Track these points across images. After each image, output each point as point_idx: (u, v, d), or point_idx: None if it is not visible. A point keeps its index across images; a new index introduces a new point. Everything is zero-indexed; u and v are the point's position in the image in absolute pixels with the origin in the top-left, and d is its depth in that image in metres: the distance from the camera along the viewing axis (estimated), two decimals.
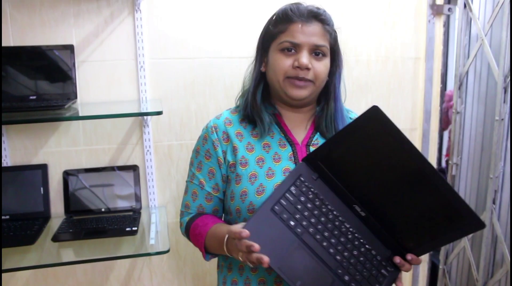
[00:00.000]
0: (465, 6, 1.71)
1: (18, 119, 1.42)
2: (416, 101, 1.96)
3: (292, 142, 1.01)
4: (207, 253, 1.00)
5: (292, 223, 0.86)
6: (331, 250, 0.86)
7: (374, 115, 0.82)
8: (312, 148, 1.01)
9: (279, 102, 1.04)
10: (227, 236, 0.88)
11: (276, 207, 0.86)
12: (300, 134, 1.03)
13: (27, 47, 1.53)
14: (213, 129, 1.03)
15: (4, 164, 1.58)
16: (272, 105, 1.04)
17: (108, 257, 1.43)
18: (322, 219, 0.88)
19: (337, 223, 0.89)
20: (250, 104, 1.02)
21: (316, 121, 1.04)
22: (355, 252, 0.88)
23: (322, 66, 0.97)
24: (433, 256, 2.06)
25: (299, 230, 0.86)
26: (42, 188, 1.60)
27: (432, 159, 2.01)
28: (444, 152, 2.28)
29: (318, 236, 0.86)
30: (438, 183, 0.81)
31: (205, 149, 1.03)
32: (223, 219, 1.10)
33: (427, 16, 1.87)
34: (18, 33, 1.53)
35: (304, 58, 0.94)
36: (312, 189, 0.91)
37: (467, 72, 1.76)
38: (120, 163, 1.68)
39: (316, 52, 0.96)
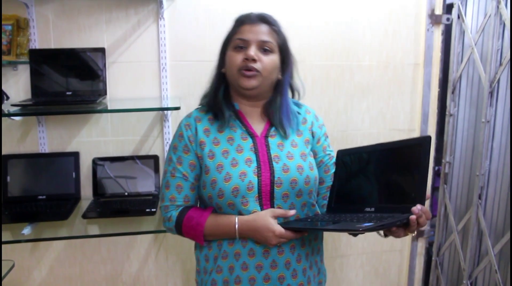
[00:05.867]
0: (458, 17, 1.86)
1: (57, 111, 1.66)
2: (415, 104, 2.11)
3: (252, 135, 1.16)
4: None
5: None
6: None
7: (425, 144, 1.01)
8: (270, 139, 1.16)
9: (238, 97, 1.20)
10: (237, 225, 1.09)
11: None
12: (259, 127, 1.19)
13: (65, 49, 1.76)
14: (187, 126, 1.18)
15: (42, 150, 1.81)
16: (232, 104, 1.20)
17: (130, 232, 1.65)
18: None
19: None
20: (212, 100, 1.19)
21: (269, 114, 1.19)
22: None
23: (268, 60, 1.13)
24: (429, 249, 2.20)
25: None
26: (74, 173, 1.82)
27: (430, 159, 2.15)
28: None
29: None
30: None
31: (182, 145, 1.16)
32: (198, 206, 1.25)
33: (426, 25, 2.02)
34: (58, 37, 1.76)
35: (251, 51, 1.10)
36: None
37: (460, 78, 1.90)
38: (143, 153, 1.89)
39: (264, 48, 1.12)
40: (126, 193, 1.83)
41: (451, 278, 2.05)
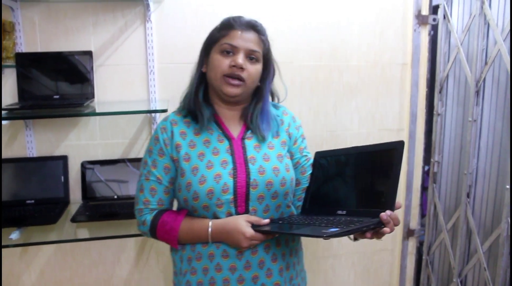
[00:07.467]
0: (444, 17, 1.88)
1: (44, 114, 1.64)
2: (403, 104, 2.12)
3: (229, 137, 1.16)
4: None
5: None
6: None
7: (398, 148, 1.00)
8: (246, 141, 1.16)
9: (216, 100, 1.19)
10: (210, 229, 1.10)
11: None
12: (235, 129, 1.19)
13: (52, 52, 1.75)
14: (163, 130, 1.17)
15: (30, 154, 1.80)
16: (211, 105, 1.19)
17: (120, 235, 1.64)
18: None
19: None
20: (192, 100, 1.17)
21: (247, 118, 1.19)
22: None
23: (254, 69, 1.14)
24: (419, 248, 2.21)
25: None
26: (62, 177, 1.81)
27: (419, 159, 2.16)
28: None
29: None
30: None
31: (157, 148, 1.16)
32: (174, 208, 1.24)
33: (413, 25, 2.03)
34: (44, 40, 1.75)
35: (240, 59, 1.10)
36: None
37: (447, 77, 1.91)
38: (132, 155, 1.88)
39: (250, 56, 1.13)
40: (115, 196, 1.82)
41: (442, 276, 2.06)
